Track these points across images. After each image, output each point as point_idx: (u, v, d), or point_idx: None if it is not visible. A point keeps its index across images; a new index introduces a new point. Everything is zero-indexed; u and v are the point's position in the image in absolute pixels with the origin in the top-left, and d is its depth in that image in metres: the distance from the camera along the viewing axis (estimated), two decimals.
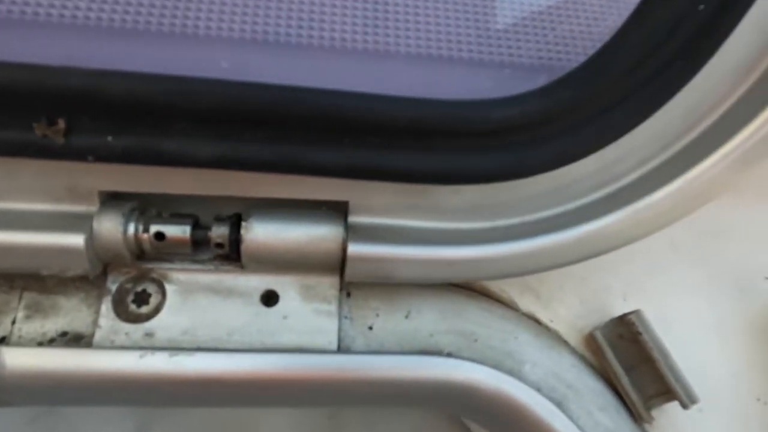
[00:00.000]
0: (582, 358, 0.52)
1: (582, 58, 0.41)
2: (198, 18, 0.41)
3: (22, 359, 0.41)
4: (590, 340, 0.52)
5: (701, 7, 0.35)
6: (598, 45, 0.41)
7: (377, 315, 0.49)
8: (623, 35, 0.39)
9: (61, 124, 0.37)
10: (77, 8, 0.39)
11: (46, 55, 0.38)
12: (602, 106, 0.42)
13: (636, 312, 0.49)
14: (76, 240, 0.41)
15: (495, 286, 0.54)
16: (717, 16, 0.36)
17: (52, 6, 0.40)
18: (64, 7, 0.40)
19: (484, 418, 0.49)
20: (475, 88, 0.44)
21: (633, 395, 0.48)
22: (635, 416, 0.49)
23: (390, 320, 0.49)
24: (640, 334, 0.48)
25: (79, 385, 0.41)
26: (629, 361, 0.50)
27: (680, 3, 0.35)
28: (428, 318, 0.49)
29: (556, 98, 0.40)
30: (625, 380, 0.49)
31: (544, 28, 0.43)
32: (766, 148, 0.41)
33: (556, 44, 0.43)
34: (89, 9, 0.39)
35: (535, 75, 0.43)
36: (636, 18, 0.36)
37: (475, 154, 0.41)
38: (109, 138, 0.37)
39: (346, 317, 0.48)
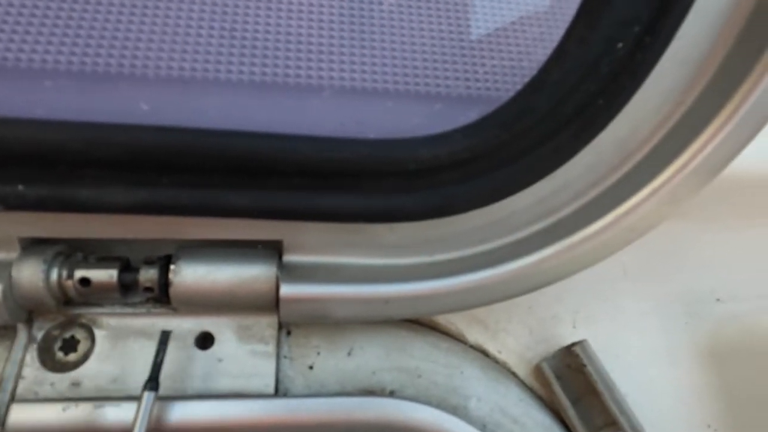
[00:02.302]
0: (529, 390, 0.51)
1: (514, 91, 0.41)
2: (115, 56, 0.40)
3: None
4: (538, 371, 0.51)
5: (619, 45, 0.35)
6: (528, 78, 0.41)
7: (318, 353, 0.48)
8: (545, 73, 0.39)
9: None
10: None
11: None
12: (530, 142, 0.41)
13: (581, 343, 0.49)
14: None
15: (442, 319, 0.53)
16: (636, 54, 0.35)
17: None
18: None
19: None
20: (405, 123, 0.43)
21: (580, 428, 0.48)
22: None
23: (331, 358, 0.48)
24: (585, 366, 0.48)
25: None
26: (576, 392, 0.49)
27: (598, 42, 0.34)
28: (371, 355, 0.48)
29: (484, 136, 0.39)
30: (571, 412, 0.48)
31: (474, 62, 0.43)
32: (697, 180, 0.41)
33: (487, 77, 0.43)
34: None
35: (466, 108, 0.43)
36: (557, 56, 0.36)
37: (404, 192, 0.41)
38: (20, 187, 0.36)
39: (285, 357, 0.47)
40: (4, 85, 0.39)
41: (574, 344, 0.49)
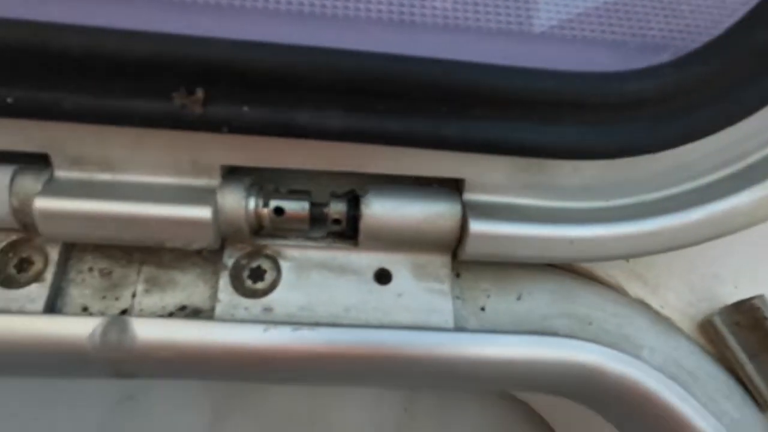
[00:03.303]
0: (699, 345, 0.50)
1: (709, 35, 0.40)
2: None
3: (149, 330, 0.41)
4: (706, 326, 0.50)
5: None
6: (728, 20, 0.40)
7: (488, 296, 0.48)
8: (761, 9, 0.37)
9: (200, 93, 0.37)
10: None
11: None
12: (736, 81, 0.40)
13: (761, 296, 0.47)
14: (204, 213, 0.41)
15: (601, 271, 0.52)
16: None
17: None
18: None
19: (605, 403, 0.47)
20: (597, 63, 0.43)
21: (758, 383, 0.46)
22: (761, 404, 0.47)
23: (502, 302, 0.48)
24: (766, 319, 0.46)
25: (204, 357, 0.41)
26: (751, 348, 0.48)
27: None
28: (540, 300, 0.48)
29: (691, 71, 0.39)
30: (749, 367, 0.47)
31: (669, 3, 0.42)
32: None
33: (681, 19, 0.42)
34: None
35: (659, 51, 0.42)
36: None
37: (604, 127, 0.40)
38: (245, 108, 0.37)
39: (457, 297, 0.47)
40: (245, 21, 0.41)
41: (749, 299, 0.48)
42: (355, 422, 0.80)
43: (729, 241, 0.47)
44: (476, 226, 0.43)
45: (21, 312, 0.41)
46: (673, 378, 0.46)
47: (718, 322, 0.49)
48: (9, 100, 0.35)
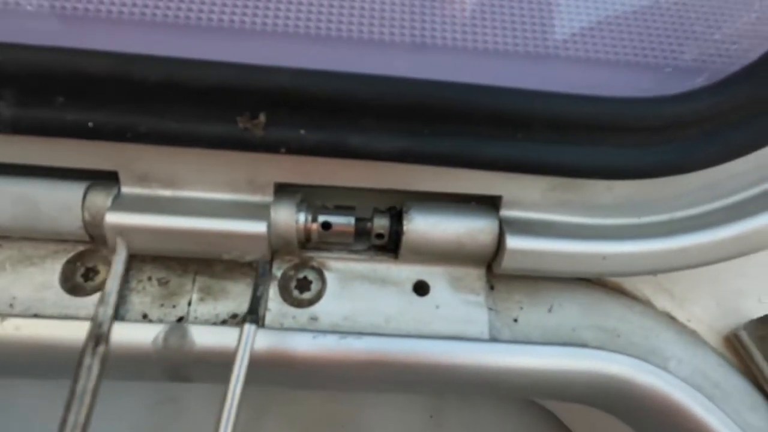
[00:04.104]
0: (725, 357, 0.51)
1: (746, 59, 0.42)
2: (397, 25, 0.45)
3: (206, 337, 0.44)
4: (732, 340, 0.51)
5: None
6: (762, 48, 0.42)
7: (521, 308, 0.50)
8: None
9: (262, 118, 0.40)
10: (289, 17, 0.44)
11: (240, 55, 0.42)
12: (767, 105, 0.42)
13: None
14: (260, 227, 0.44)
15: (629, 285, 0.54)
16: None
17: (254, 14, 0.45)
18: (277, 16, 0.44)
19: (632, 413, 0.49)
20: (634, 87, 0.45)
21: None
22: None
23: (533, 313, 0.50)
24: None
25: (257, 363, 0.44)
26: None
27: None
28: (570, 313, 0.50)
29: (725, 96, 0.41)
30: None
31: (708, 27, 0.44)
32: None
33: (716, 46, 0.44)
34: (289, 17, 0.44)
35: (694, 76, 0.44)
36: None
37: (639, 148, 0.43)
38: (302, 131, 0.40)
39: (491, 309, 0.50)
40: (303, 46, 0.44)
41: None
42: (384, 426, 0.82)
43: (754, 256, 0.49)
44: (513, 242, 0.45)
45: (88, 318, 0.44)
46: (699, 389, 0.48)
47: (743, 336, 0.50)
48: (90, 124, 0.38)
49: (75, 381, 0.41)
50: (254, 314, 0.46)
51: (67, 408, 0.40)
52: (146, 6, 0.46)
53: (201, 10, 0.49)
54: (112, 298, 0.45)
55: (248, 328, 0.44)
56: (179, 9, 0.47)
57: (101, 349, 0.43)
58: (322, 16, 0.48)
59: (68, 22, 0.42)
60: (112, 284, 0.45)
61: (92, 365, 0.42)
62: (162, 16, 0.46)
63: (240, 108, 0.40)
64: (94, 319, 0.44)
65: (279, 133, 0.40)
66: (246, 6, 0.48)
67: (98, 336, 0.43)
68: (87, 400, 0.41)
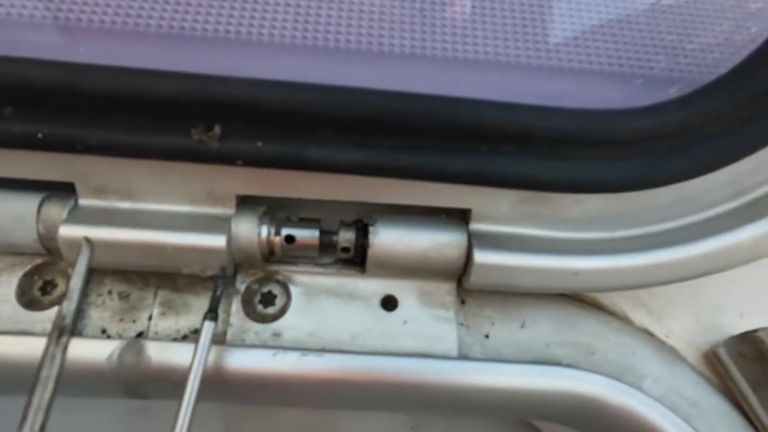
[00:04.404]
0: (703, 376, 0.50)
1: (719, 71, 0.41)
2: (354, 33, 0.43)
3: (162, 354, 0.43)
4: (711, 357, 0.50)
5: None
6: (736, 58, 0.41)
7: (492, 323, 0.49)
8: (765, 50, 0.38)
9: (217, 129, 0.39)
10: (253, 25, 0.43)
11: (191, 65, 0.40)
12: (738, 120, 0.41)
13: (766, 328, 0.47)
14: (219, 241, 0.43)
15: (606, 300, 0.53)
16: None
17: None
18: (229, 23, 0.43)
19: None
20: (605, 99, 0.44)
21: (762, 415, 0.46)
22: None
23: (505, 329, 0.49)
24: None
25: (215, 380, 0.43)
26: (755, 379, 0.48)
27: None
28: (543, 328, 0.49)
29: (695, 109, 0.40)
30: (753, 399, 0.47)
31: (679, 39, 0.43)
32: None
33: (689, 57, 0.43)
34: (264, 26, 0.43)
35: (667, 86, 0.43)
36: None
37: (608, 162, 0.41)
38: (259, 143, 0.39)
39: (462, 324, 0.48)
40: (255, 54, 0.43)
41: (754, 331, 0.48)
42: None
43: (735, 271, 0.48)
44: (481, 256, 0.44)
45: (44, 334, 0.43)
46: (674, 409, 0.46)
47: (722, 353, 0.49)
48: (39, 135, 0.37)
49: (30, 397, 0.40)
50: (215, 330, 0.45)
51: (22, 424, 0.39)
52: (117, 14, 0.45)
53: (173, 18, 0.48)
54: (70, 313, 0.44)
55: (201, 348, 0.42)
56: (162, 18, 0.46)
57: (56, 365, 0.42)
58: (298, 25, 0.48)
59: (18, 30, 0.42)
60: (70, 298, 0.44)
61: (48, 382, 0.41)
62: (128, 24, 0.46)
63: (194, 119, 0.39)
64: (50, 335, 0.42)
65: (235, 145, 0.39)
66: (231, 15, 0.47)
67: (53, 353, 0.42)
68: (40, 416, 0.40)
